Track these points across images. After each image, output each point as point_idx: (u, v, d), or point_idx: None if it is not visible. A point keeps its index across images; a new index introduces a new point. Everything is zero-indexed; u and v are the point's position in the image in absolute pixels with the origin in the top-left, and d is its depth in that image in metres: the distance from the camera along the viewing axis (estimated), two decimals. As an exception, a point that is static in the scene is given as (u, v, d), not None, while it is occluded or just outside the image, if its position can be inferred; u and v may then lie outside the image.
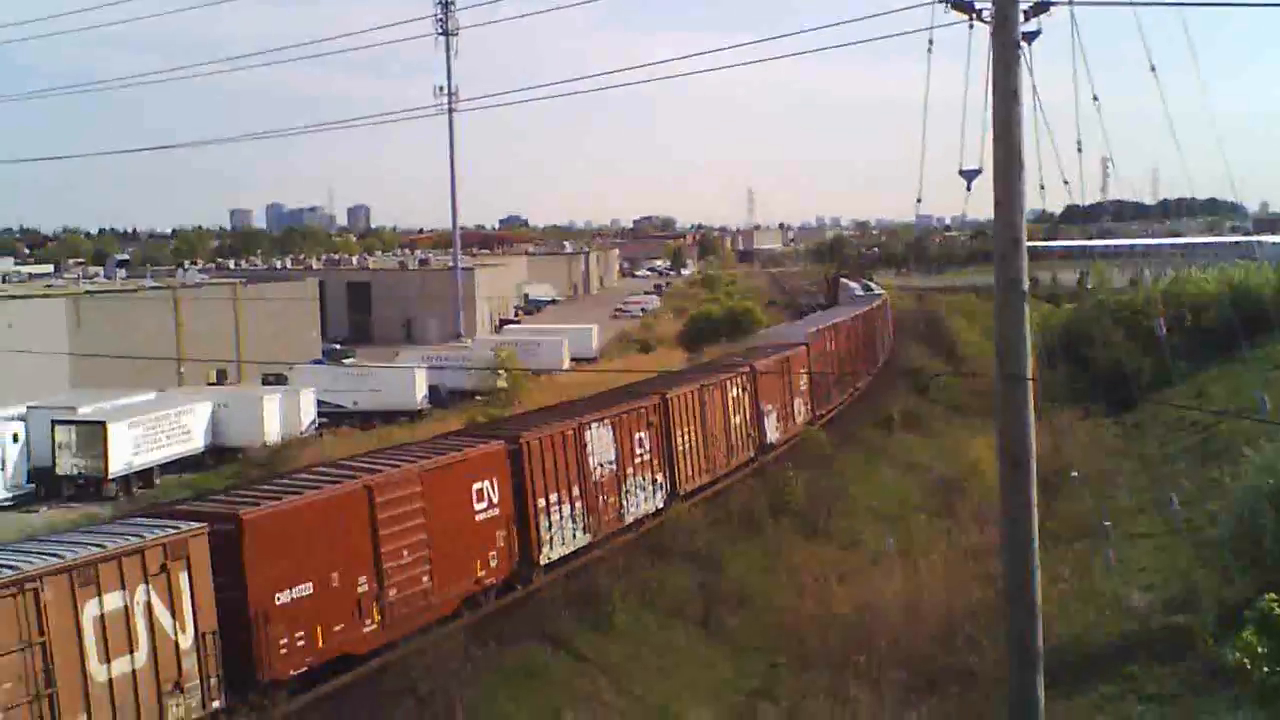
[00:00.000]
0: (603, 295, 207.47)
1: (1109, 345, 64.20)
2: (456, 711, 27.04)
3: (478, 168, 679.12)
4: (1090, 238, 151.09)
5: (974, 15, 17.01)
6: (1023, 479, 17.32)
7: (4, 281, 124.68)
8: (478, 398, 78.28)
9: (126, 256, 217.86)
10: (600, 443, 41.38)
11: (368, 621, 30.33)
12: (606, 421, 42.06)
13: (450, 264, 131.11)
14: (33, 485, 57.70)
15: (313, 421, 71.47)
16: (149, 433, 60.76)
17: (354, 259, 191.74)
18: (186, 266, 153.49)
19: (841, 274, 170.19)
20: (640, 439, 43.97)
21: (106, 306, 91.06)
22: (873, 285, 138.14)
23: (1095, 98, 18.19)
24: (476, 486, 35.06)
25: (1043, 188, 17.46)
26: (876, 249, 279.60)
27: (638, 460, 43.66)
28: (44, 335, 76.95)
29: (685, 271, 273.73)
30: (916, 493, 51.01)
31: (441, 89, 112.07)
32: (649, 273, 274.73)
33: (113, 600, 24.04)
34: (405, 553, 31.75)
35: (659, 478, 45.08)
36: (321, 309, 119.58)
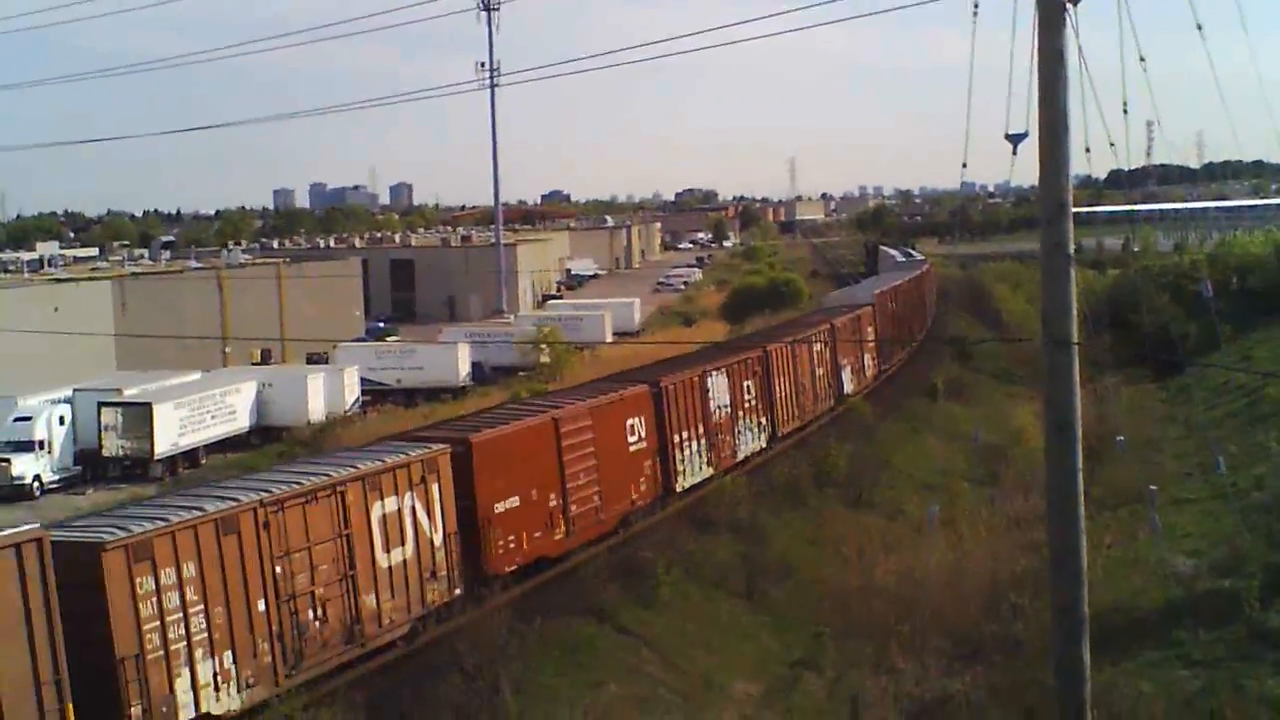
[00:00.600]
0: (645, 269, 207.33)
1: (1154, 310, 63.85)
2: (502, 686, 27.06)
3: (519, 143, 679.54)
4: (1135, 202, 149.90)
5: (1020, -23, 16.86)
6: (1068, 444, 17.18)
7: (49, 265, 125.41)
8: (520, 374, 78.37)
9: (171, 238, 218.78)
10: (718, 389, 46.79)
11: (557, 531, 36.53)
12: (722, 370, 47.66)
13: (492, 240, 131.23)
14: (79, 467, 58.07)
15: (356, 400, 71.67)
16: (194, 413, 61.03)
17: (396, 237, 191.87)
18: (230, 247, 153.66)
19: (881, 242, 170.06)
20: (748, 386, 49.40)
21: (151, 288, 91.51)
22: (913, 252, 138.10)
23: (1142, 59, 17.96)
24: (630, 422, 40.89)
25: (1088, 151, 17.26)
26: (919, 217, 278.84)
27: (746, 405, 49.21)
28: (90, 318, 77.39)
29: (727, 244, 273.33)
30: (961, 461, 50.85)
31: (483, 65, 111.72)
32: (691, 245, 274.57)
33: (391, 503, 30.07)
34: (581, 475, 37.72)
35: (763, 420, 50.64)
36: (365, 287, 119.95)
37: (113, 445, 58.21)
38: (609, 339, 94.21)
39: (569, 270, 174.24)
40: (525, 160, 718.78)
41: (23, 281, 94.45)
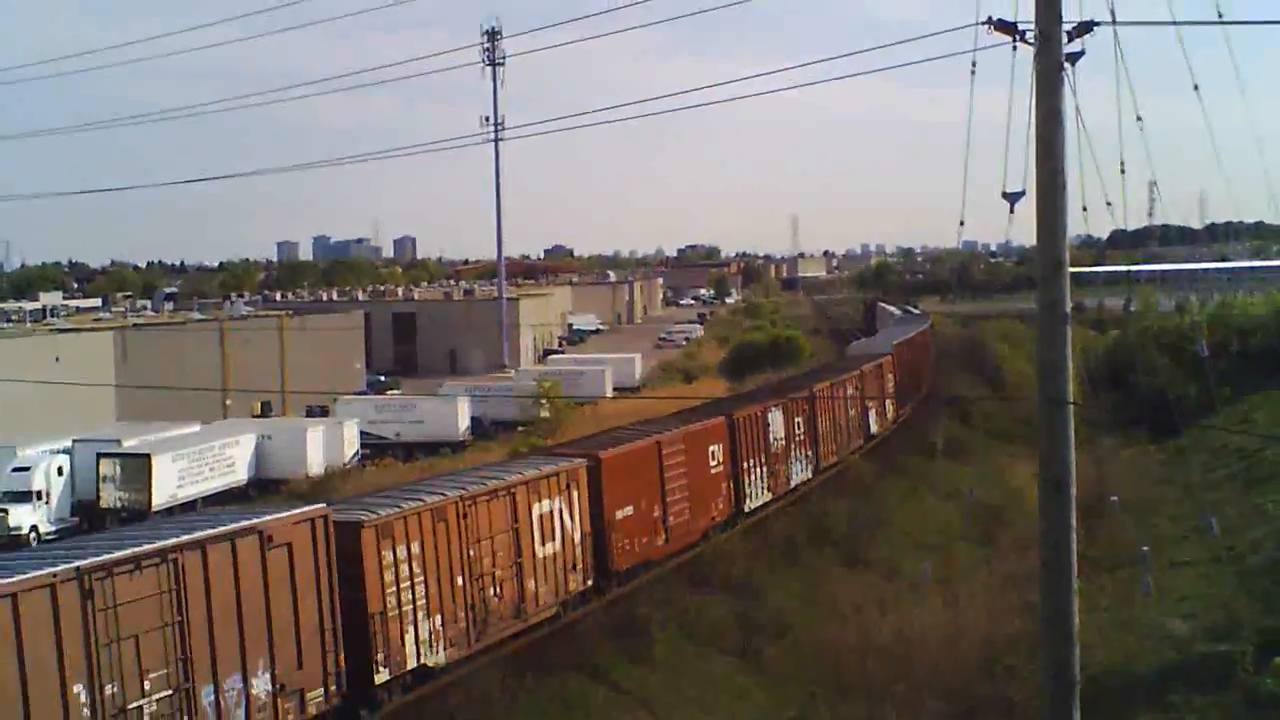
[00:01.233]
0: (647, 324, 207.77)
1: (1153, 370, 63.86)
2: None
3: (523, 198, 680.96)
4: (1136, 262, 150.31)
5: (1017, 36, 16.95)
6: (1063, 503, 17.21)
7: (52, 315, 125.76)
8: (520, 428, 78.39)
9: (174, 290, 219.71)
10: (776, 424, 52.44)
11: (659, 538, 42.13)
12: (779, 406, 53.35)
13: (495, 294, 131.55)
14: (77, 518, 58.03)
15: (356, 453, 71.70)
16: (193, 465, 61.06)
17: (399, 290, 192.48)
18: (233, 299, 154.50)
19: (882, 300, 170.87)
20: (798, 423, 55.00)
21: (153, 339, 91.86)
22: (911, 309, 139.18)
23: (1139, 119, 18.09)
24: (711, 448, 46.58)
25: (1085, 210, 17.38)
26: (921, 275, 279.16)
27: (797, 439, 54.81)
28: (91, 368, 77.64)
29: (729, 300, 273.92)
30: (958, 521, 50.78)
31: (488, 119, 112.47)
32: (693, 301, 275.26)
33: (545, 505, 35.89)
34: (677, 492, 43.34)
35: (809, 453, 56.04)
36: (367, 340, 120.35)
37: (110, 496, 58.16)
38: (610, 394, 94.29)
39: (571, 325, 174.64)
40: (529, 214, 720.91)
41: (25, 331, 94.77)
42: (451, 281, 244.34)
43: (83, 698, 22.18)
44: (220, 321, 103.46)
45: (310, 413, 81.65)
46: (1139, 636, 31.25)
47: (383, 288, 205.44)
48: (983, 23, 17.05)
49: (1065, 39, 16.70)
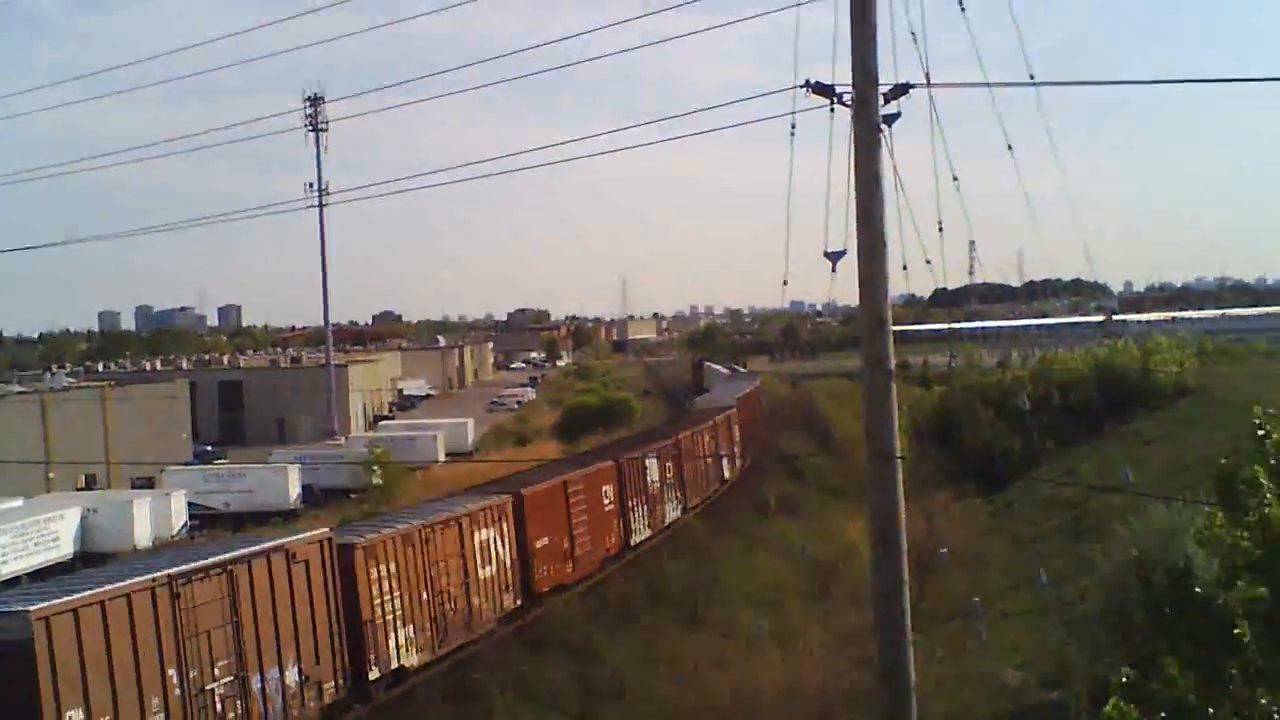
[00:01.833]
0: (478, 389, 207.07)
1: (979, 426, 64.88)
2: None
3: (350, 263, 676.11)
4: (958, 320, 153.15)
5: (835, 99, 17.15)
6: (893, 556, 17.32)
7: None
8: (352, 495, 77.67)
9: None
10: (652, 468, 60.14)
11: (568, 566, 49.33)
12: (655, 454, 61.26)
13: (323, 361, 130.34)
14: (-105, 597, 56.33)
15: (185, 524, 70.54)
16: (16, 540, 59.74)
17: (225, 358, 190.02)
18: (54, 371, 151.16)
19: (706, 359, 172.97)
20: (668, 467, 62.55)
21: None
22: (738, 367, 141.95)
23: (955, 178, 18.38)
24: (604, 488, 54.08)
25: (906, 269, 17.60)
26: (749, 335, 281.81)
27: (669, 481, 62.63)
28: (-95, 444, 75.52)
29: (560, 363, 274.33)
30: (793, 577, 51.07)
31: (312, 185, 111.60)
32: (524, 365, 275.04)
33: (484, 534, 42.73)
34: (579, 526, 50.38)
35: (679, 494, 64.19)
36: (193, 410, 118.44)
37: (-69, 573, 56.68)
38: (442, 459, 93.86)
39: (401, 391, 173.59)
40: (356, 280, 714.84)
41: None
42: (278, 349, 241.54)
43: (174, 679, 28.46)
44: (41, 394, 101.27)
45: (136, 485, 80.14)
46: (975, 688, 31.62)
47: (208, 356, 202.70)
48: (801, 86, 17.26)
49: (882, 101, 16.96)
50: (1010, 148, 19.69)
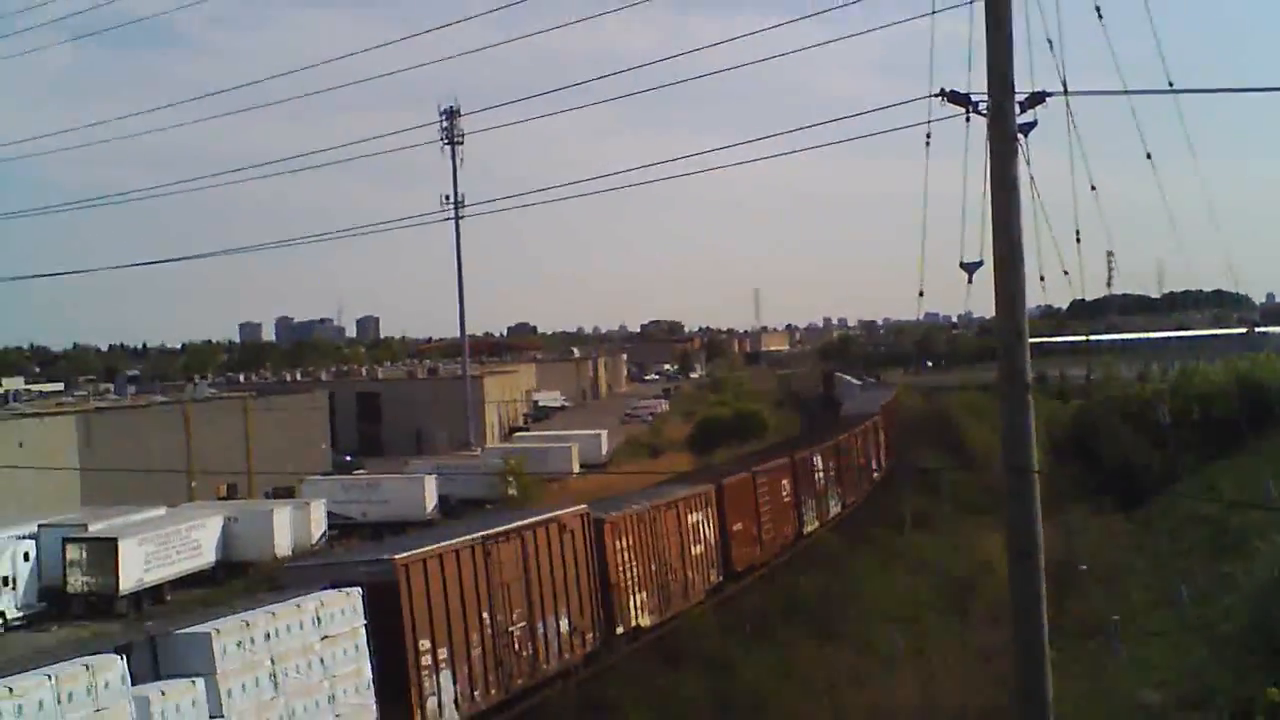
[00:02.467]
0: (611, 400, 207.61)
1: (1117, 440, 64.05)
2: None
3: (486, 275, 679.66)
4: (1096, 332, 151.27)
5: (970, 108, 17.08)
6: (1031, 571, 17.21)
7: (13, 400, 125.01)
8: (488, 506, 78.18)
9: (136, 372, 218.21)
10: (819, 467, 67.17)
11: (757, 549, 56.44)
12: (820, 452, 68.47)
13: (459, 373, 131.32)
14: (44, 604, 57.54)
15: (323, 534, 71.38)
16: (160, 549, 60.69)
17: (363, 370, 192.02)
18: (196, 381, 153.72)
19: (836, 370, 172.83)
20: (831, 466, 69.11)
21: (117, 423, 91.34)
22: (870, 379, 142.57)
23: (1093, 188, 18.20)
24: (783, 482, 61.25)
25: (1043, 279, 17.45)
26: (884, 347, 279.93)
27: (831, 478, 69.28)
28: (54, 453, 77.08)
29: (693, 375, 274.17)
30: (929, 593, 50.72)
31: (448, 198, 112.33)
32: (657, 376, 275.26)
33: (694, 517, 49.84)
34: (766, 514, 57.65)
35: (839, 491, 70.92)
36: (331, 421, 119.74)
37: (77, 582, 57.79)
38: (576, 470, 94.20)
39: (536, 402, 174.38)
40: (492, 292, 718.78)
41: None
42: (415, 360, 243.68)
43: (486, 620, 35.31)
44: (184, 404, 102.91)
45: (276, 494, 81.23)
46: (1113, 707, 31.23)
47: (346, 367, 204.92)
48: (936, 95, 17.20)
49: (1018, 110, 16.86)
50: (1149, 156, 19.45)
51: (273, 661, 27.99)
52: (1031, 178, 17.02)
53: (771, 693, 38.06)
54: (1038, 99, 16.89)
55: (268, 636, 27.98)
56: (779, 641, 43.47)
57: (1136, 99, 18.24)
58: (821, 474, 67.07)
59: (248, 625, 27.63)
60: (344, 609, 30.58)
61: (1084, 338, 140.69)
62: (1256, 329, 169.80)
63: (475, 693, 34.30)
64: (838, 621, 45.62)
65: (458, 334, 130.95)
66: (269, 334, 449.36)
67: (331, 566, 35.16)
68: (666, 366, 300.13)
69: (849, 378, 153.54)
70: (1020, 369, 17.01)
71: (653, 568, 45.21)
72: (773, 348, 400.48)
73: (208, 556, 64.47)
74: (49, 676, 23.35)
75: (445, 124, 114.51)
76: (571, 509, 41.67)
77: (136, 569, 58.61)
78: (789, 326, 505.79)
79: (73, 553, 57.90)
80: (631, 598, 43.50)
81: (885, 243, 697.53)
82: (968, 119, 17.15)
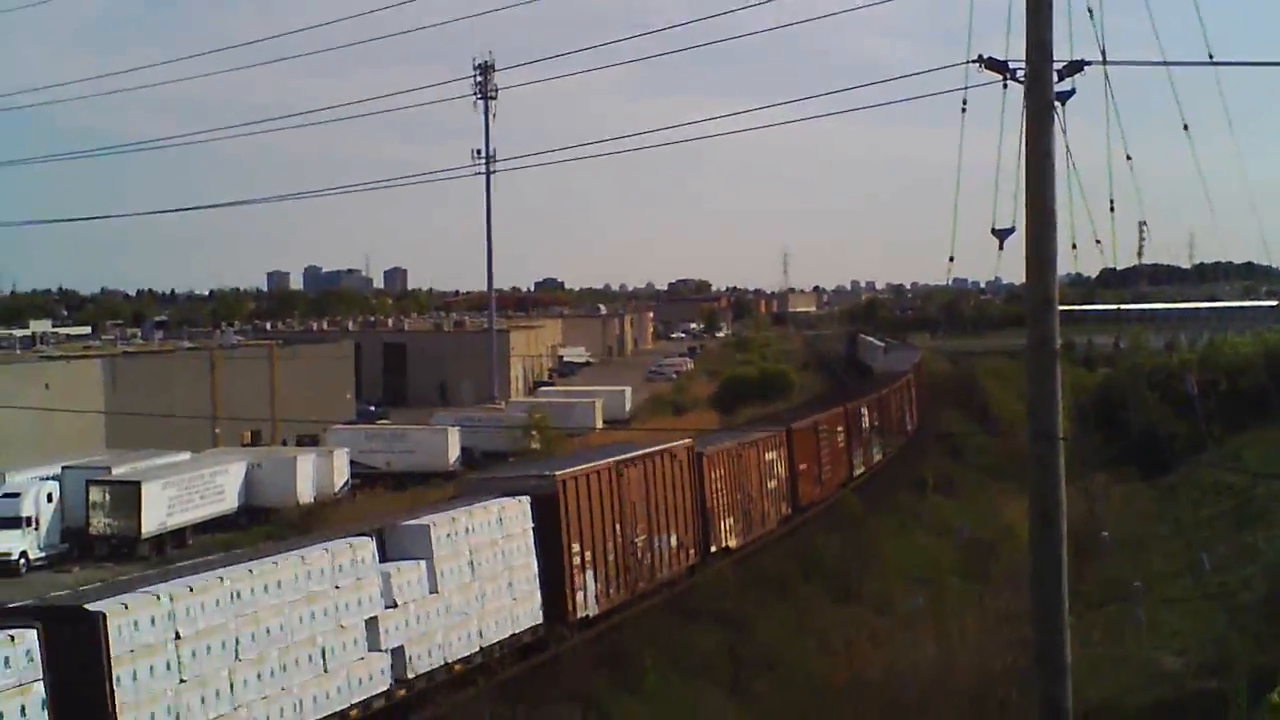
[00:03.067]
0: (637, 357, 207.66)
1: (1144, 408, 63.84)
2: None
3: (514, 230, 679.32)
4: (1125, 302, 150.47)
5: (1008, 75, 16.98)
6: (1053, 537, 17.18)
7: (42, 343, 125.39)
8: (511, 459, 78.24)
9: (164, 318, 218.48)
10: (865, 417, 73.62)
11: (817, 488, 62.20)
12: (865, 405, 74.51)
13: (485, 326, 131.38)
14: (66, 545, 57.83)
15: (346, 482, 71.53)
16: (183, 493, 60.92)
17: (390, 321, 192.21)
18: (223, 328, 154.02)
19: (859, 333, 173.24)
20: (876, 416, 76.24)
21: (143, 367, 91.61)
22: (892, 341, 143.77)
23: (1129, 158, 18.05)
24: (838, 429, 67.56)
25: (1074, 248, 17.35)
26: (911, 311, 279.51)
27: (876, 428, 75.77)
28: (81, 395, 77.40)
29: (719, 334, 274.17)
30: (950, 556, 50.71)
31: (479, 152, 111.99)
32: (683, 335, 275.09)
33: (769, 456, 55.69)
34: (825, 457, 64.33)
35: (880, 441, 76.71)
36: (357, 371, 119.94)
37: (100, 524, 58.06)
38: (600, 426, 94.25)
39: (561, 357, 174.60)
40: (519, 247, 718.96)
41: (14, 358, 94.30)
42: (442, 313, 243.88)
43: (617, 531, 41.20)
44: (210, 350, 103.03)
45: (301, 442, 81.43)
46: (1132, 673, 31.16)
47: (373, 318, 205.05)
48: (973, 61, 17.09)
49: (1056, 78, 16.74)
50: (1186, 127, 19.30)
51: (470, 551, 34.85)
52: (1067, 146, 16.92)
53: (787, 650, 38.12)
54: (1076, 67, 16.79)
55: (467, 531, 34.87)
56: (797, 600, 43.52)
57: (1175, 70, 18.09)
58: (867, 424, 73.62)
59: (454, 520, 34.71)
60: (517, 514, 37.28)
61: (1113, 307, 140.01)
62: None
63: (610, 590, 40.69)
64: (857, 582, 45.67)
65: (485, 288, 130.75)
66: (296, 283, 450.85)
67: (503, 480, 41.66)
68: (693, 325, 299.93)
69: (872, 339, 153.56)
70: (1049, 336, 16.94)
71: (738, 497, 51.60)
72: (800, 309, 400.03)
73: (230, 502, 64.70)
74: (326, 550, 30.38)
75: (479, 79, 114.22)
76: (679, 442, 47.87)
77: (159, 512, 58.84)
78: (817, 288, 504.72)
79: (96, 495, 58.17)
80: (722, 521, 49.91)
81: (916, 208, 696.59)
82: (1005, 86, 17.08)
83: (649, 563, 43.30)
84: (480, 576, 35.03)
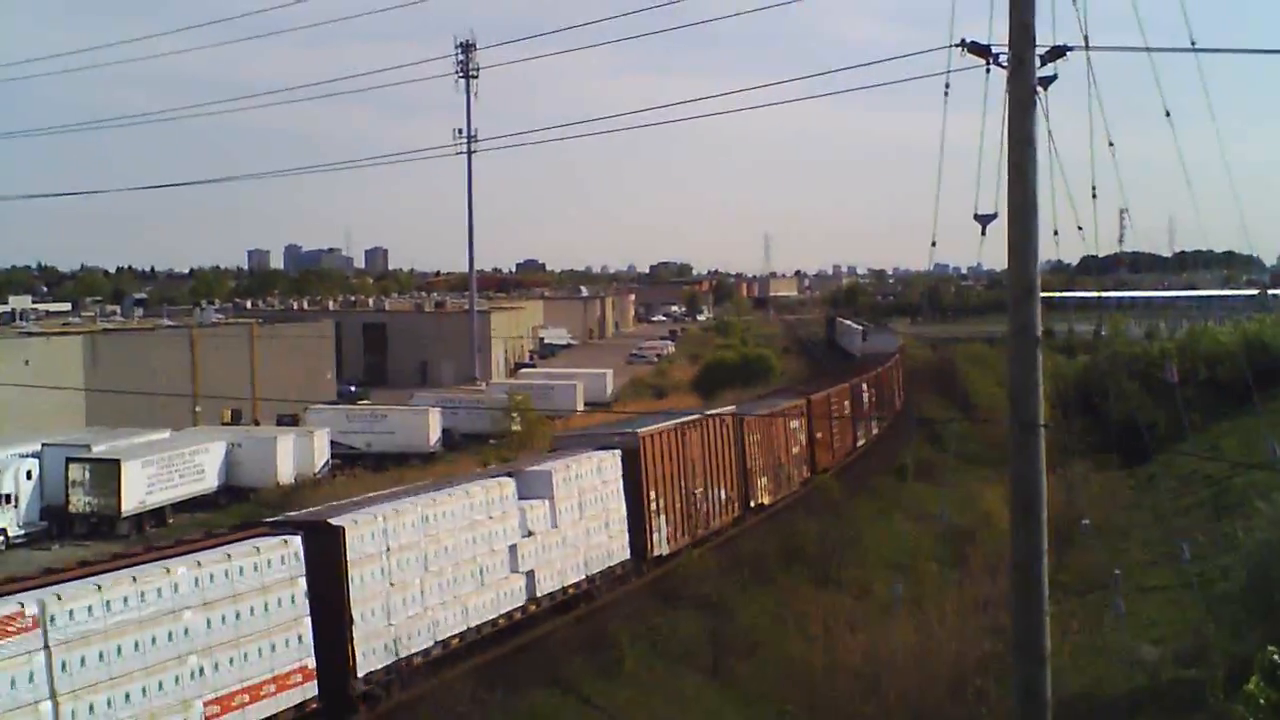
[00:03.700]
0: (618, 340, 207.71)
1: (1123, 397, 64.04)
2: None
3: (495, 211, 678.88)
4: (1106, 289, 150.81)
5: (991, 59, 16.95)
6: (1033, 525, 17.17)
7: (21, 319, 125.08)
8: (491, 441, 78.26)
9: (144, 296, 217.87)
10: (865, 393, 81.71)
11: (830, 455, 69.20)
12: (863, 383, 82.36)
13: (466, 307, 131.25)
14: (45, 522, 57.67)
15: (326, 463, 71.50)
16: (162, 472, 60.83)
17: (370, 301, 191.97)
18: (203, 306, 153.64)
19: (838, 317, 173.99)
20: (873, 392, 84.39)
21: (123, 344, 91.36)
22: (869, 324, 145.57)
23: (1111, 144, 18.06)
24: (845, 403, 75.24)
25: (1056, 234, 17.33)
26: (892, 297, 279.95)
27: (873, 402, 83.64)
28: (60, 372, 77.16)
29: (701, 317, 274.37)
30: (929, 542, 50.82)
31: (460, 131, 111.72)
32: (664, 318, 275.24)
33: (793, 424, 61.99)
34: (836, 427, 71.33)
35: (878, 413, 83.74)
36: (337, 350, 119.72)
37: (79, 501, 57.94)
38: (581, 408, 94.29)
39: (542, 339, 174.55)
40: (501, 228, 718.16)
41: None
42: (423, 293, 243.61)
43: (682, 483, 48.28)
44: (190, 328, 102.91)
45: (281, 422, 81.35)
46: (1110, 661, 31.32)
47: (354, 298, 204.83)
48: (956, 45, 17.05)
49: (1038, 63, 16.73)
50: (1168, 114, 19.32)
51: (579, 494, 41.62)
52: (1049, 132, 16.92)
53: (767, 635, 38.24)
54: (1059, 52, 16.76)
55: (577, 476, 41.74)
56: (777, 585, 43.63)
57: (1157, 56, 18.10)
58: (867, 400, 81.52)
59: (568, 467, 41.49)
60: (611, 464, 44.10)
61: (1093, 294, 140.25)
62: (1267, 291, 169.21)
63: (677, 534, 47.78)
64: (837, 568, 45.78)
65: (466, 268, 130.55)
66: (277, 261, 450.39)
67: (594, 436, 48.76)
68: (674, 308, 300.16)
69: (850, 323, 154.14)
70: (1030, 323, 16.92)
71: (771, 459, 58.66)
72: (781, 293, 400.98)
73: (210, 481, 64.63)
74: (482, 486, 37.69)
75: (460, 57, 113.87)
76: (725, 409, 59.14)
77: (139, 490, 58.77)
78: (798, 273, 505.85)
79: (76, 472, 58.04)
80: (758, 480, 56.93)
81: (898, 192, 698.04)
82: (988, 70, 17.03)
83: (705, 511, 50.58)
84: (586, 516, 41.89)
